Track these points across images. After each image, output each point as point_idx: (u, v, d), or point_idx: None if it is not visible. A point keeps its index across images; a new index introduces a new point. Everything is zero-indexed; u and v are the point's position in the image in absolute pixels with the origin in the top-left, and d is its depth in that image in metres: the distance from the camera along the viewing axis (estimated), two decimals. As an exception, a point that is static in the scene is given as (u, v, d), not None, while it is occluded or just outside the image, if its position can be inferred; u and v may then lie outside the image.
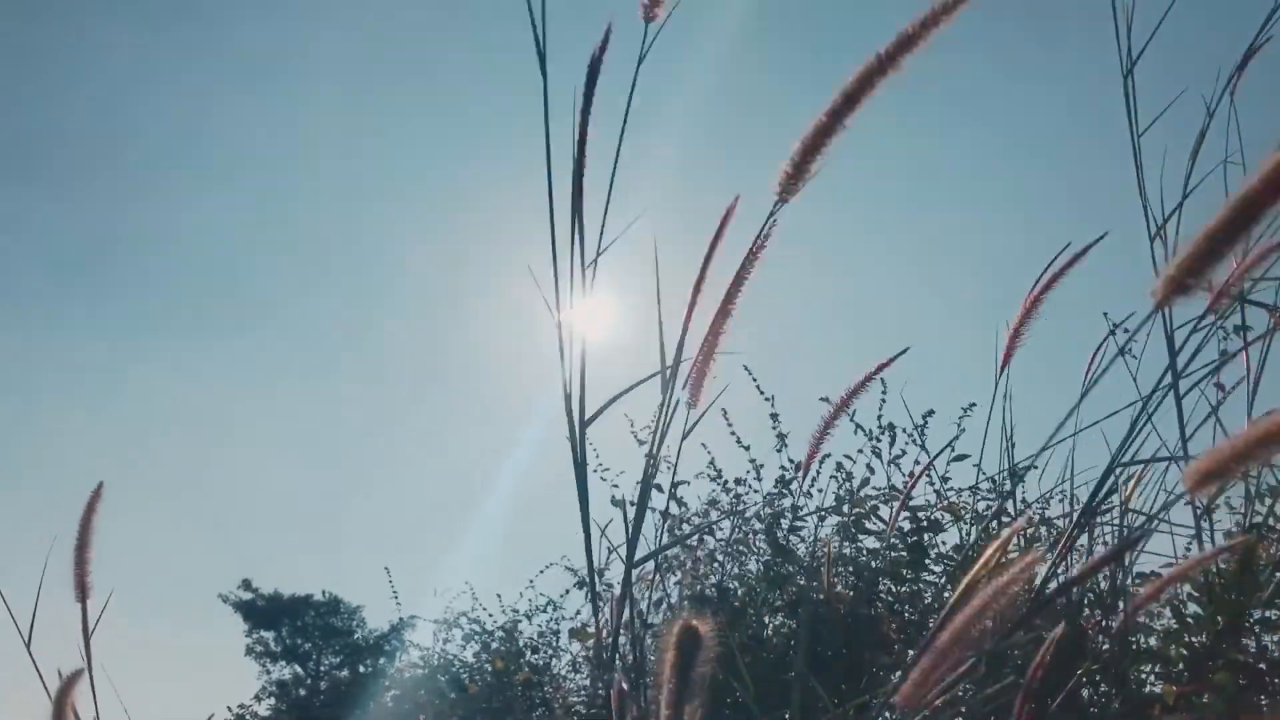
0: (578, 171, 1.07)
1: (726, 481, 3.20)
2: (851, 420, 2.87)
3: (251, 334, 25.57)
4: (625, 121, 1.08)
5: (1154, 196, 1.61)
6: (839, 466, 2.90)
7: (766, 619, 2.69)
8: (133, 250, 24.00)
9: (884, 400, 2.90)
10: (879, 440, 2.93)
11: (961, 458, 2.69)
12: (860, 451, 2.93)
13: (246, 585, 20.36)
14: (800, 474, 2.73)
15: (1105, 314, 1.70)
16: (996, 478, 2.42)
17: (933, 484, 2.70)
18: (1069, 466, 1.90)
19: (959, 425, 2.75)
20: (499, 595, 4.54)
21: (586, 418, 1.07)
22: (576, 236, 1.09)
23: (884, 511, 2.72)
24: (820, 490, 2.98)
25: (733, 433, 3.12)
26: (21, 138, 22.18)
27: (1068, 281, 1.57)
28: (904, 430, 2.90)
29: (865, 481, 2.86)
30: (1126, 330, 1.73)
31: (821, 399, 2.58)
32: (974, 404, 2.76)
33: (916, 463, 2.78)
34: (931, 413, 2.77)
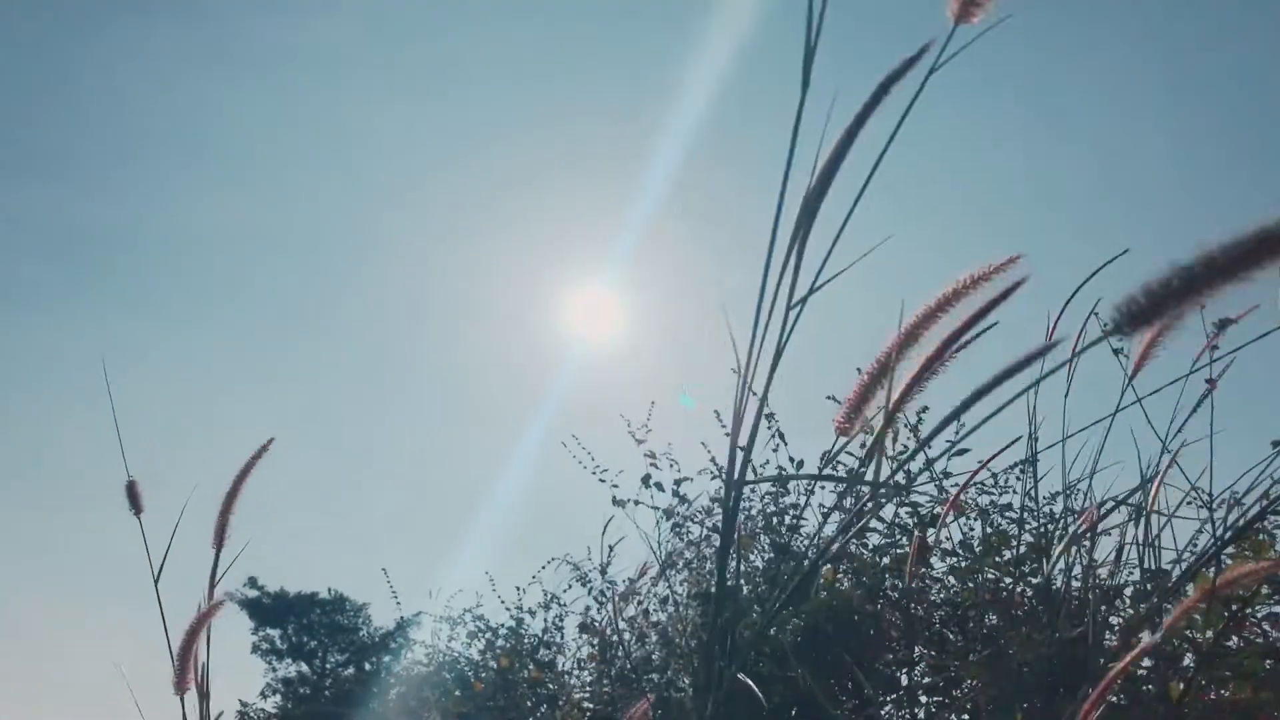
0: (816, 196, 0.90)
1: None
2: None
3: (257, 330, 25.57)
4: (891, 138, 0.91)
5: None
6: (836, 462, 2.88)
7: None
8: (139, 244, 23.99)
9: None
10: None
11: (962, 452, 2.67)
12: (861, 446, 2.91)
13: (252, 583, 20.39)
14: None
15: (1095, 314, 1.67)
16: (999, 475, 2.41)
17: (933, 479, 2.69)
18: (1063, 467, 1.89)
19: (960, 422, 2.72)
20: (517, 588, 4.48)
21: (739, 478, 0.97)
22: (790, 269, 0.93)
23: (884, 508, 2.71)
24: (821, 487, 2.97)
25: (728, 434, 3.10)
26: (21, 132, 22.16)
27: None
28: (904, 425, 2.87)
29: (858, 476, 2.83)
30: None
31: (829, 397, 2.56)
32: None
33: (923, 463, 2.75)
34: (926, 409, 2.74)
